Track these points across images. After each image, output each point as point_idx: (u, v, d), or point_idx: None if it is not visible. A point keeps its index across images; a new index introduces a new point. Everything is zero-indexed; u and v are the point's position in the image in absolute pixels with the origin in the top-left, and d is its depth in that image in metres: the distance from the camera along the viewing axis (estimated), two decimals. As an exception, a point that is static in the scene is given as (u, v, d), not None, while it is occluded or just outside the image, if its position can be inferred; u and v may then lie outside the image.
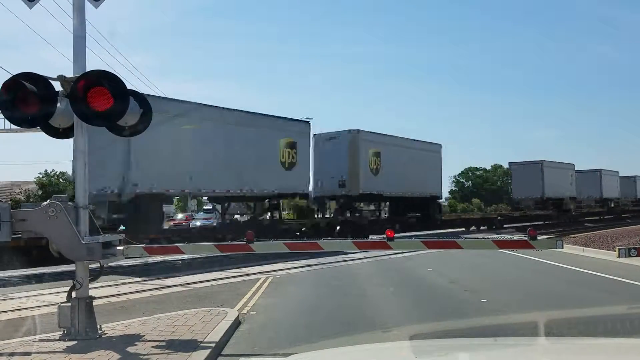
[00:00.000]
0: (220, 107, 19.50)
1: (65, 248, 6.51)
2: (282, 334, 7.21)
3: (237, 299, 9.78)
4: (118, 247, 6.92)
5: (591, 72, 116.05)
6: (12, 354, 5.92)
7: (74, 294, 6.50)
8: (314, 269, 14.69)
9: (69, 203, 6.50)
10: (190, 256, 15.53)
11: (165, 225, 22.78)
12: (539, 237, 7.05)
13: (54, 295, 9.70)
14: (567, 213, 38.42)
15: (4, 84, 6.33)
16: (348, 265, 15.35)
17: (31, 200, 24.56)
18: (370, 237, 21.15)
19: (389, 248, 7.28)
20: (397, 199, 27.43)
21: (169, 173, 16.96)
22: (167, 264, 16.14)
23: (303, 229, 22.34)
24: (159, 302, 9.90)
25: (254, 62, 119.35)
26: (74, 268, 6.68)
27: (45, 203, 6.41)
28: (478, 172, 76.17)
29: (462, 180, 75.85)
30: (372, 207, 27.86)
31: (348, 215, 25.19)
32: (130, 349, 6.07)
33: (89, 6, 6.86)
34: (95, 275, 7.06)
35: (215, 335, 6.62)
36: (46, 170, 41.27)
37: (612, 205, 46.67)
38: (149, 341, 6.43)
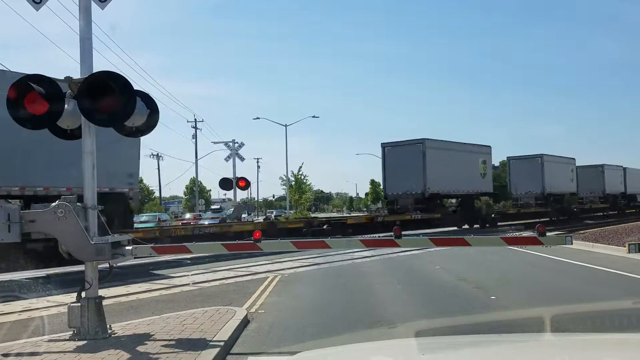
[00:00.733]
0: None
1: (74, 248, 6.55)
2: (290, 333, 7.21)
3: (245, 298, 9.80)
4: (127, 247, 6.96)
5: (600, 69, 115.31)
6: (21, 354, 5.97)
7: (83, 294, 6.55)
8: (321, 267, 14.70)
9: (78, 204, 6.54)
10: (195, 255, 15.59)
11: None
12: (548, 234, 7.01)
13: (64, 296, 9.76)
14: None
15: (12, 86, 6.38)
16: (356, 263, 15.34)
17: None
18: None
19: (397, 245, 7.26)
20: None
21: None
22: (176, 263, 16.22)
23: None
24: (167, 301, 9.94)
25: (257, 60, 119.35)
26: (83, 268, 6.73)
27: (54, 204, 6.45)
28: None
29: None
30: None
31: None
32: (140, 348, 6.10)
33: (95, 7, 6.89)
34: (104, 275, 7.11)
35: (224, 334, 6.65)
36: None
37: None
38: (158, 340, 6.47)
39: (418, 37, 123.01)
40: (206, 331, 6.81)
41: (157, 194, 64.05)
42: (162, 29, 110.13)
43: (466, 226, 30.91)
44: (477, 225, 30.82)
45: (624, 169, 44.09)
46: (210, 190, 79.18)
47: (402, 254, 16.52)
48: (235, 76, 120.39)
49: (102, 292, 6.85)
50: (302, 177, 51.31)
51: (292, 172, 50.46)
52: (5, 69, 13.23)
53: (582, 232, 23.54)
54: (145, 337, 6.60)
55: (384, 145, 30.01)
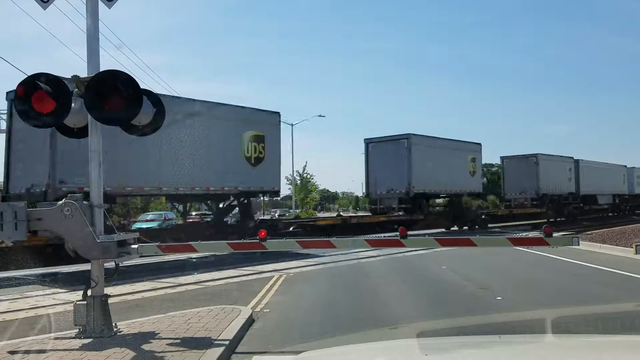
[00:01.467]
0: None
1: (80, 247, 6.58)
2: (295, 332, 7.21)
3: (250, 297, 9.82)
4: (133, 246, 6.97)
5: (612, 67, 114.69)
6: (28, 352, 6.00)
7: (89, 292, 6.57)
8: (327, 267, 14.70)
9: (84, 202, 6.57)
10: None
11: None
12: (554, 234, 6.97)
13: (70, 294, 9.82)
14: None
15: (20, 85, 6.40)
16: (361, 263, 15.33)
17: None
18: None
19: (402, 246, 7.24)
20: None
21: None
22: (181, 262, 16.27)
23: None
24: (173, 300, 9.97)
25: (263, 59, 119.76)
26: (89, 267, 6.75)
27: (60, 202, 6.48)
28: (493, 169, 75.47)
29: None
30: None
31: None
32: (145, 347, 6.12)
33: (102, 7, 6.91)
34: (110, 273, 7.13)
35: (229, 333, 6.65)
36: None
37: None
38: (163, 339, 6.48)
39: (428, 34, 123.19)
40: (211, 330, 6.82)
41: (163, 192, 64.08)
42: (169, 28, 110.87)
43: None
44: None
45: (576, 161, 36.68)
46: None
47: (408, 253, 16.49)
48: (241, 75, 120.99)
49: (108, 291, 6.87)
50: (308, 176, 51.39)
51: (298, 172, 50.54)
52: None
53: (590, 233, 23.41)
54: (150, 336, 6.62)
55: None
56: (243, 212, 20.69)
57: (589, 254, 16.12)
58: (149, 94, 7.10)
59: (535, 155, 33.33)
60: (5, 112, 16.28)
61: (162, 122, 7.27)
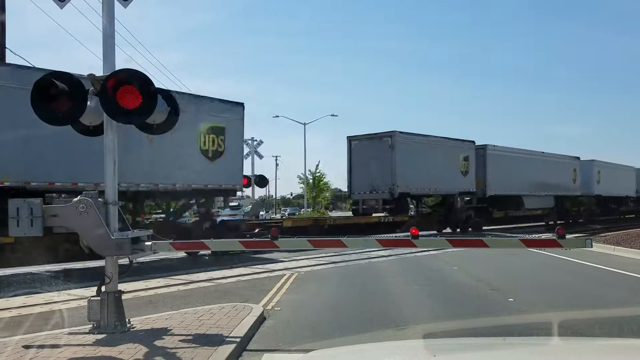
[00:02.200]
0: None
1: (95, 243, 6.66)
2: (305, 331, 7.24)
3: (262, 295, 9.86)
4: (146, 243, 7.05)
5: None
6: (42, 346, 6.09)
7: (103, 288, 6.66)
8: (338, 266, 14.71)
9: (99, 199, 6.65)
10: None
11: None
12: (567, 236, 6.93)
13: (84, 289, 9.93)
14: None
15: (36, 83, 6.50)
16: (372, 262, 15.33)
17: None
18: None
19: (414, 246, 7.24)
20: None
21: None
22: (193, 259, 16.39)
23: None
24: (185, 296, 10.05)
25: (277, 58, 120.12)
26: (103, 263, 6.84)
27: (76, 199, 6.57)
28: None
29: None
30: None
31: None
32: (158, 343, 6.18)
33: (117, 6, 6.99)
34: (124, 270, 7.21)
35: (241, 331, 6.70)
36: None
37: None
38: (176, 335, 6.55)
39: (443, 34, 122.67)
40: (223, 327, 6.88)
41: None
42: (184, 27, 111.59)
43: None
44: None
45: (481, 147, 28.39)
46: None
47: (420, 254, 16.46)
48: (255, 74, 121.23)
49: (121, 287, 6.95)
50: (320, 175, 51.43)
51: (310, 171, 50.59)
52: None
53: (603, 235, 23.17)
54: (163, 332, 6.69)
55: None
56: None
57: (602, 256, 15.96)
58: (163, 93, 7.18)
59: (390, 135, 24.35)
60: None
61: (177, 120, 7.33)
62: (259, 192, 52.09)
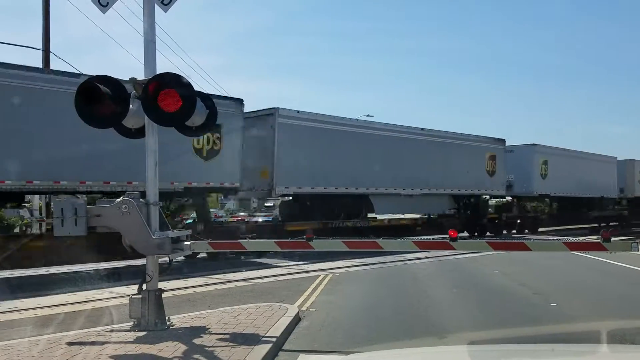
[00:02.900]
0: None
1: (137, 242, 6.82)
2: (340, 332, 7.23)
3: (297, 295, 9.90)
4: (185, 242, 7.19)
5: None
6: (85, 343, 6.27)
7: (144, 287, 6.80)
8: (373, 267, 14.63)
9: (141, 200, 6.81)
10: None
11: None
12: (612, 239, 6.72)
13: (125, 287, 10.18)
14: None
15: (80, 87, 6.70)
16: (408, 264, 15.17)
17: None
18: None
19: (451, 248, 7.14)
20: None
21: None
22: (231, 259, 16.58)
23: None
24: (222, 295, 10.19)
25: (316, 58, 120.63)
26: (144, 262, 7.00)
27: (118, 200, 6.75)
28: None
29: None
30: None
31: None
32: (197, 341, 6.29)
33: (158, 10, 7.14)
34: (164, 268, 7.36)
35: (276, 331, 6.75)
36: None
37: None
38: (213, 334, 6.65)
39: (482, 32, 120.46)
40: (259, 327, 6.94)
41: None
42: (222, 29, 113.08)
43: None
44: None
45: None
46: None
47: (458, 256, 16.22)
48: (293, 75, 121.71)
49: (161, 285, 7.09)
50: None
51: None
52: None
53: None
54: (201, 330, 6.80)
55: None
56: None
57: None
58: (201, 95, 7.30)
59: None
60: None
61: (215, 123, 7.45)
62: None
